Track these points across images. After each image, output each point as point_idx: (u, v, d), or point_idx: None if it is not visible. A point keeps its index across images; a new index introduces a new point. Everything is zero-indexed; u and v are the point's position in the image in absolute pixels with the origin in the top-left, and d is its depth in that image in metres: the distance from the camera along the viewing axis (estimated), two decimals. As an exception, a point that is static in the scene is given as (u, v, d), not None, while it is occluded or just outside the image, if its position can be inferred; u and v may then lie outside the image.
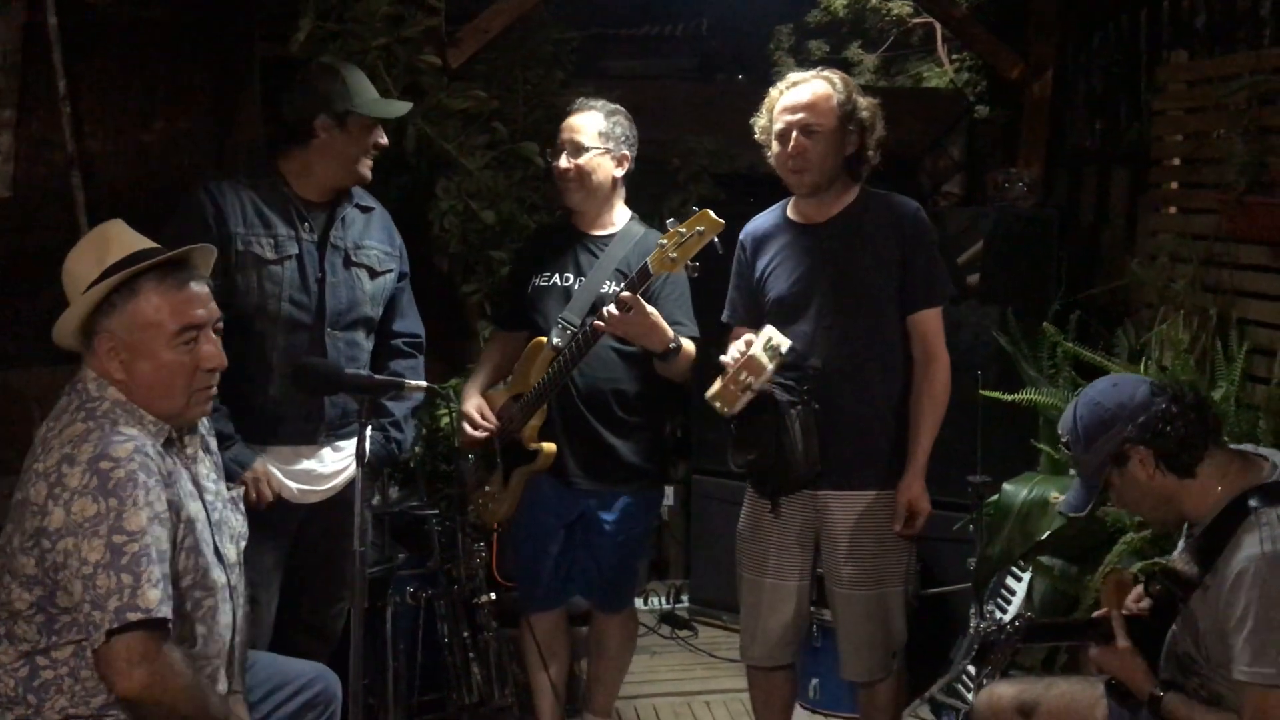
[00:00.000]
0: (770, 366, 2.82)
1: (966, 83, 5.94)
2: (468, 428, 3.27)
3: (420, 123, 4.11)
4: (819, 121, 2.88)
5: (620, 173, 3.26)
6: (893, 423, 2.96)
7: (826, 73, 2.97)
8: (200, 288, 2.24)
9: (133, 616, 1.99)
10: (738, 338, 3.08)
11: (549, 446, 3.21)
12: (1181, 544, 2.32)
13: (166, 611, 2.03)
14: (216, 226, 2.79)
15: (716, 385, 2.86)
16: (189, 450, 2.30)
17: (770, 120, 2.96)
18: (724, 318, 3.21)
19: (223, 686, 2.29)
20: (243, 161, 2.98)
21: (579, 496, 3.25)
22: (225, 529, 2.35)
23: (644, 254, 3.18)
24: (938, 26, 5.89)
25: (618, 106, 3.29)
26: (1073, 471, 2.44)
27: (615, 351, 3.17)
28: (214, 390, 2.29)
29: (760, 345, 2.82)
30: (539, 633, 3.34)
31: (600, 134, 3.19)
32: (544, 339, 3.21)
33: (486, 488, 3.36)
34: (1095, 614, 2.38)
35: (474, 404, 3.29)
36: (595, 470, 3.23)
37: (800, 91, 2.92)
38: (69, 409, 2.16)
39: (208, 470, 2.35)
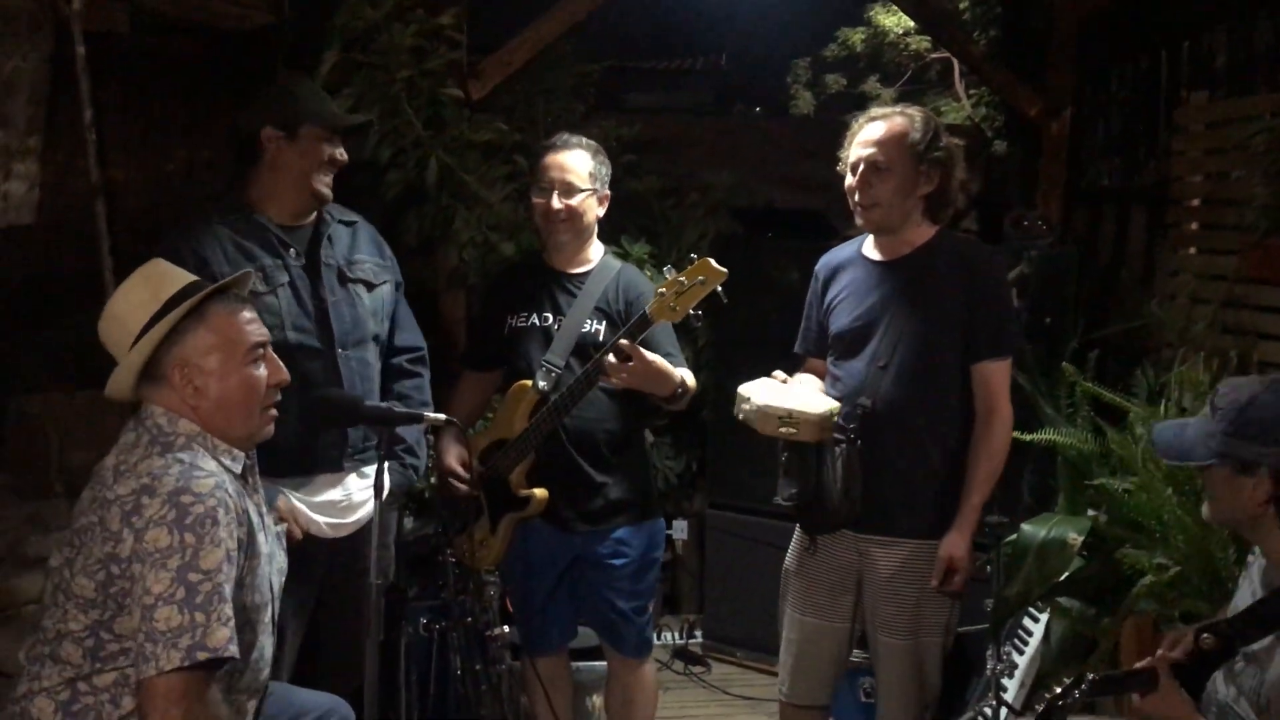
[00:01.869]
0: (755, 402, 2.82)
1: (984, 118, 5.95)
2: (453, 481, 3.18)
3: (441, 155, 4.13)
4: (888, 159, 2.82)
5: (602, 212, 3.23)
6: (942, 472, 2.86)
7: (911, 110, 2.91)
8: (253, 310, 2.30)
9: (202, 655, 2.00)
10: (810, 370, 3.06)
11: (540, 493, 3.14)
12: (1251, 585, 2.28)
13: (234, 651, 2.04)
14: (198, 272, 2.61)
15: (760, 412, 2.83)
16: (250, 482, 2.32)
17: (849, 151, 2.92)
18: (796, 348, 3.16)
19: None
20: (218, 199, 2.92)
21: (575, 538, 3.21)
22: (274, 563, 2.36)
23: (624, 289, 3.17)
24: (955, 62, 5.91)
25: (597, 144, 3.26)
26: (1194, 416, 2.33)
27: (603, 392, 3.11)
28: (275, 409, 2.33)
29: (742, 416, 2.85)
30: (541, 672, 3.30)
31: (590, 174, 3.15)
32: (527, 382, 3.14)
33: (473, 534, 3.26)
34: (1140, 664, 2.34)
35: (455, 454, 3.17)
36: (589, 511, 3.18)
37: (876, 127, 2.86)
38: (140, 444, 2.16)
39: (262, 503, 2.37)
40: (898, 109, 2.92)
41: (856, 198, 2.87)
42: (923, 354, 2.84)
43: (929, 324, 2.84)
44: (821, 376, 3.04)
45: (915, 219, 2.90)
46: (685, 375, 3.10)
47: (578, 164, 3.15)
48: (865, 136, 2.87)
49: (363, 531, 2.96)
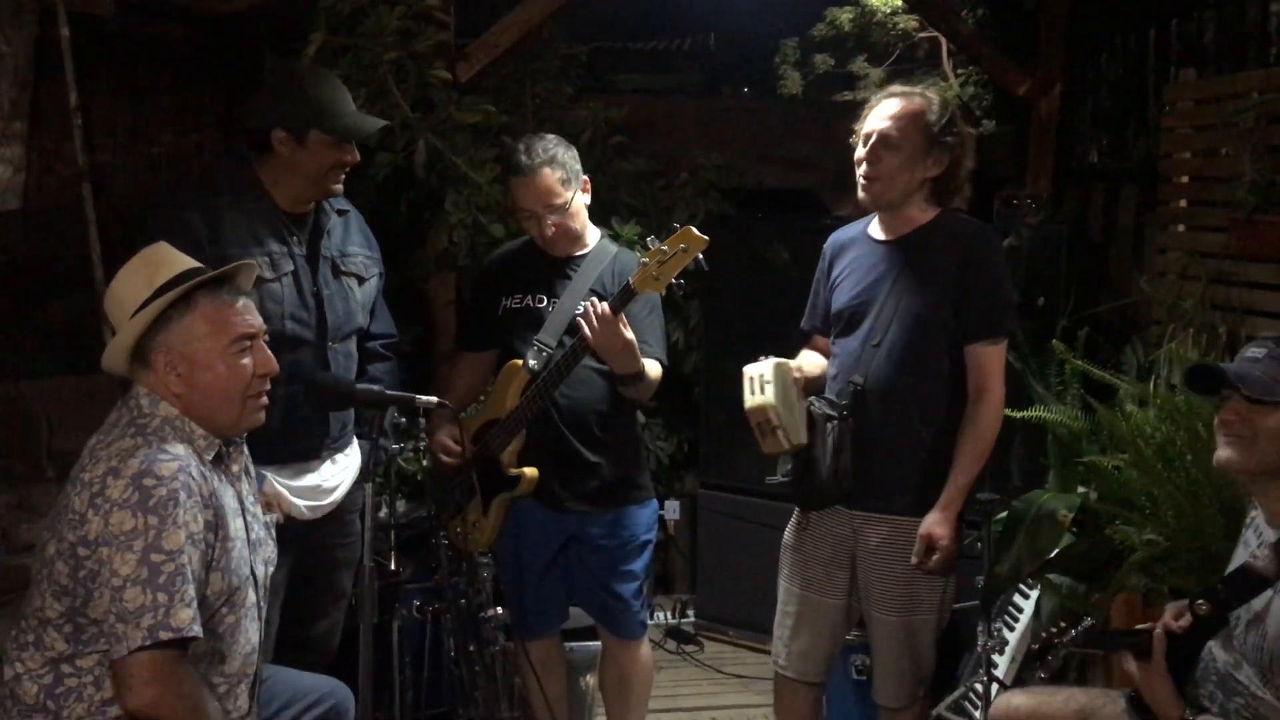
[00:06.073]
0: (766, 397, 2.77)
1: (972, 97, 5.95)
2: (443, 456, 3.19)
3: (430, 137, 4.12)
4: (900, 136, 2.81)
5: (588, 198, 3.21)
6: (930, 450, 2.86)
7: (930, 93, 2.92)
8: (246, 301, 2.30)
9: (164, 635, 2.03)
10: (814, 347, 3.07)
11: (530, 472, 3.14)
12: (1248, 548, 2.28)
13: (197, 631, 2.07)
14: (210, 247, 2.67)
15: (770, 442, 2.81)
16: (234, 468, 2.33)
17: (862, 124, 2.91)
18: (803, 324, 3.16)
19: (244, 705, 2.30)
20: (223, 170, 2.89)
21: (568, 519, 3.21)
22: (260, 551, 2.37)
23: (619, 273, 3.15)
24: (943, 41, 5.90)
25: (551, 137, 3.15)
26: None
27: (595, 371, 3.12)
28: (266, 399, 2.33)
29: (749, 394, 2.80)
30: (533, 654, 3.30)
31: (563, 181, 3.09)
32: (519, 362, 3.14)
33: (466, 515, 3.27)
34: (1141, 626, 2.34)
35: (447, 431, 3.18)
36: (582, 491, 3.18)
37: (894, 103, 2.86)
38: (119, 423, 2.19)
39: (248, 491, 2.38)
40: (919, 89, 2.92)
41: (862, 169, 2.86)
42: (915, 333, 2.84)
43: (922, 303, 2.84)
44: (826, 355, 3.06)
45: (918, 200, 2.89)
46: (651, 365, 3.08)
47: (550, 182, 3.07)
48: (882, 111, 2.86)
49: (334, 513, 2.98)
